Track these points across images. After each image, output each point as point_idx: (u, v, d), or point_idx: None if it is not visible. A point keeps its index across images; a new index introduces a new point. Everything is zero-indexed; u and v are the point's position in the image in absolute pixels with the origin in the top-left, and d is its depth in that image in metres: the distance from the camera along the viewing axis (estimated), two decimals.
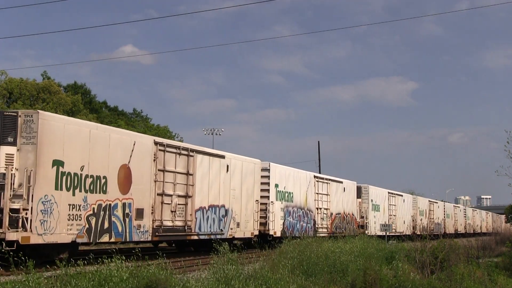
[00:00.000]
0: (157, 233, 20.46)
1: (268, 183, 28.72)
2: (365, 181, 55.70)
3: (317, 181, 34.21)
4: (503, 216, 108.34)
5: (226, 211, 24.81)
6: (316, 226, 33.70)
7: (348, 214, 38.72)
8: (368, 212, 42.19)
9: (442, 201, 78.60)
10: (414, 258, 22.87)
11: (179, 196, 21.78)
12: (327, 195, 35.36)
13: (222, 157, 24.82)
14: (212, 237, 23.76)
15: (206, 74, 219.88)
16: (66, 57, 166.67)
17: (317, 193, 34.10)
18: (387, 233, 37.24)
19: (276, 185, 29.32)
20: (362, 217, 41.79)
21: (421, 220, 56.46)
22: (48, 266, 12.91)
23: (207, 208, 23.39)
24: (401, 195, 50.87)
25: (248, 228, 26.61)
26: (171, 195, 21.31)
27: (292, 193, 30.97)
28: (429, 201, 60.15)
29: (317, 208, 34.02)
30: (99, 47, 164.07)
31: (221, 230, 24.37)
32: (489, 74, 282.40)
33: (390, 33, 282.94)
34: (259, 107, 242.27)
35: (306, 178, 32.85)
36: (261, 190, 28.36)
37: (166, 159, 21.16)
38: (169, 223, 21.22)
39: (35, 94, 49.01)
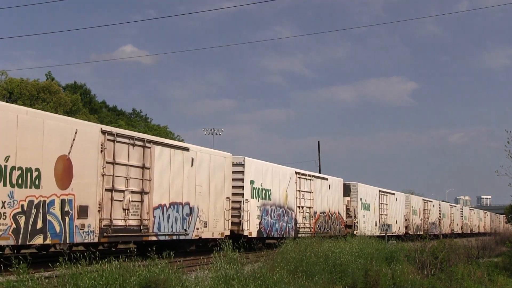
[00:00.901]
0: (105, 234, 18.10)
1: (242, 179, 26.37)
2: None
3: (299, 177, 31.86)
4: (501, 216, 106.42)
5: (191, 209, 22.46)
6: (298, 226, 31.35)
7: (334, 213, 36.37)
8: (357, 211, 39.84)
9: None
10: (414, 258, 22.59)
11: (133, 192, 19.42)
12: (310, 192, 33.00)
13: (186, 149, 22.46)
14: (175, 237, 21.43)
15: (206, 74, 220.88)
16: (66, 57, 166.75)
17: (299, 191, 31.75)
18: (387, 233, 35.64)
19: (252, 182, 26.97)
20: (350, 216, 39.43)
21: (415, 220, 54.12)
22: (47, 266, 12.61)
23: (168, 205, 21.04)
24: (393, 194, 48.52)
25: (217, 228, 24.25)
26: (123, 191, 18.96)
27: (270, 190, 28.61)
28: (423, 200, 57.82)
29: (299, 207, 31.66)
30: (99, 47, 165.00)
31: (185, 230, 22.01)
32: (489, 74, 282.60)
33: (390, 33, 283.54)
34: (259, 107, 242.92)
35: (286, 175, 30.50)
36: (234, 186, 26.03)
37: (117, 150, 18.81)
38: (121, 223, 18.86)
39: (35, 94, 48.66)
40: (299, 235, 31.11)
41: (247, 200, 26.42)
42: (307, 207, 32.57)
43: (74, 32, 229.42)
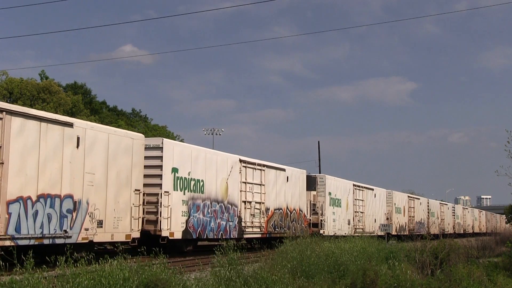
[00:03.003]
0: None
1: (160, 167, 21.19)
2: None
3: (245, 166, 26.64)
4: (498, 215, 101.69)
5: (76, 203, 17.21)
6: (243, 224, 26.12)
7: (294, 209, 31.15)
8: (325, 207, 34.62)
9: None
10: (414, 258, 22.32)
11: None
12: (260, 185, 27.78)
13: (67, 124, 17.22)
14: (47, 242, 16.20)
15: (206, 74, 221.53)
16: (66, 57, 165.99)
17: (245, 183, 26.52)
18: (386, 234, 32.78)
19: (175, 170, 21.77)
20: (315, 213, 34.20)
21: (398, 218, 48.92)
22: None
23: (34, 198, 15.80)
24: (372, 189, 43.29)
25: (120, 229, 19.02)
26: None
27: (202, 181, 23.40)
28: (408, 196, 52.60)
29: (245, 202, 26.44)
30: (98, 47, 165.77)
31: (65, 232, 16.77)
32: (488, 74, 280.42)
33: (389, 33, 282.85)
34: (259, 107, 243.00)
35: (227, 162, 25.28)
36: (148, 175, 20.87)
37: None
38: None
39: (35, 94, 48.34)
40: (245, 236, 25.96)
41: (167, 192, 21.22)
42: (256, 203, 27.34)
43: (73, 32, 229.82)
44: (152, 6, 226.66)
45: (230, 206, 25.25)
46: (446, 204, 67.64)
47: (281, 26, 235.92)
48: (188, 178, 22.52)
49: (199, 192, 23.15)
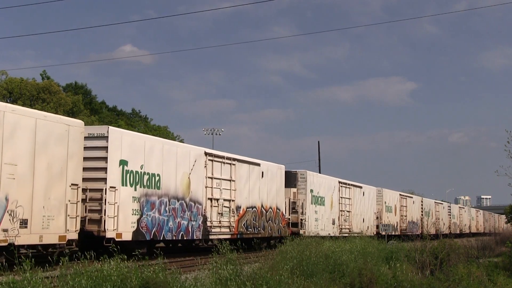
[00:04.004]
0: None
1: (105, 159, 18.59)
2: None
3: (211, 160, 24.06)
4: (497, 215, 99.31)
5: None
6: (209, 224, 23.54)
7: (270, 208, 28.57)
8: (306, 205, 32.03)
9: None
10: (414, 258, 22.27)
11: None
12: (230, 181, 25.20)
13: None
14: None
15: (206, 74, 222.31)
16: (66, 57, 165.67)
17: (211, 178, 23.96)
18: (387, 234, 31.82)
19: (123, 162, 19.19)
20: (295, 212, 31.62)
21: (389, 218, 46.34)
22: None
23: None
24: (360, 187, 40.70)
25: (51, 229, 16.41)
26: None
27: (159, 175, 20.82)
28: (400, 195, 49.99)
29: (211, 199, 23.87)
30: (98, 47, 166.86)
31: None
32: (488, 74, 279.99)
33: (388, 33, 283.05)
34: (259, 107, 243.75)
35: (189, 155, 22.70)
36: (90, 169, 18.33)
37: None
38: None
39: (35, 94, 48.27)
40: (211, 237, 23.39)
41: (113, 188, 18.64)
42: (225, 200, 24.76)
43: (73, 32, 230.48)
44: (152, 6, 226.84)
45: (193, 204, 22.67)
46: (442, 203, 65.07)
47: (280, 26, 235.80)
48: (141, 172, 19.94)
49: (155, 188, 20.57)
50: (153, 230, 20.41)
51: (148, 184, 20.24)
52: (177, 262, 16.11)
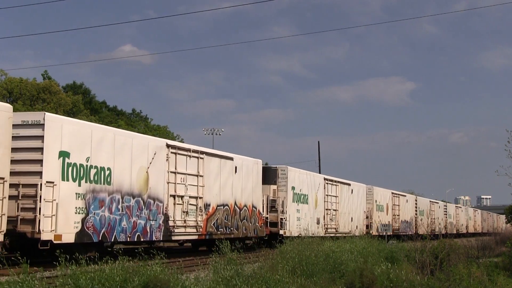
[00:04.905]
0: None
1: (41, 149, 16.31)
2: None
3: (174, 153, 21.75)
4: (495, 215, 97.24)
5: None
6: (171, 224, 21.24)
7: (245, 206, 26.27)
8: (287, 204, 29.74)
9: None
10: (414, 258, 22.18)
11: None
12: (197, 176, 22.91)
13: None
14: None
15: (206, 74, 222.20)
16: (66, 57, 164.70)
17: (174, 173, 21.67)
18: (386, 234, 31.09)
19: (65, 154, 16.90)
20: (275, 210, 29.33)
21: (380, 217, 44.05)
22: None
23: None
24: (348, 184, 38.42)
25: None
26: None
27: (109, 169, 18.52)
28: (392, 193, 47.67)
29: (174, 196, 21.58)
30: (98, 47, 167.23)
31: None
32: (488, 74, 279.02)
33: (388, 33, 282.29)
34: (258, 107, 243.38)
35: (147, 148, 20.40)
36: (25, 161, 16.13)
37: None
38: None
39: (35, 94, 48.07)
40: (174, 238, 21.15)
41: (51, 183, 16.36)
42: (191, 197, 22.48)
43: (73, 32, 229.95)
44: (152, 6, 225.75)
45: (152, 201, 20.38)
46: (437, 202, 62.77)
47: (280, 26, 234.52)
48: (87, 166, 17.64)
49: (104, 184, 18.27)
50: (102, 231, 18.10)
51: (96, 179, 17.94)
52: (177, 262, 15.73)
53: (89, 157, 17.72)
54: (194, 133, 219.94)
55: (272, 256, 17.25)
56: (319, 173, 41.97)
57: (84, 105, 55.45)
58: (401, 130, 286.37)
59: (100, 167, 18.15)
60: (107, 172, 18.40)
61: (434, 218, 58.33)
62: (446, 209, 64.29)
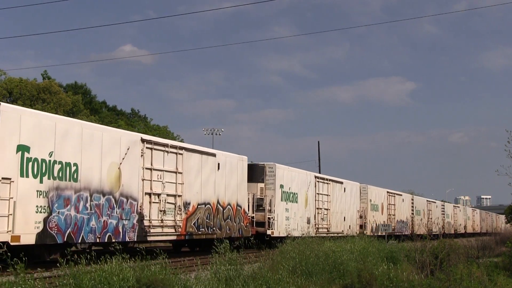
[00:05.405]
0: None
1: None
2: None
3: (149, 148, 20.45)
4: (494, 215, 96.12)
5: None
6: (146, 223, 19.93)
7: (229, 205, 24.97)
8: (275, 203, 28.44)
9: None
10: (414, 258, 22.36)
11: None
12: (175, 173, 21.61)
13: None
14: None
15: (206, 74, 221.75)
16: (66, 57, 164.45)
17: (150, 169, 20.36)
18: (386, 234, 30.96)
19: (24, 148, 15.62)
20: (262, 209, 28.02)
21: (375, 217, 42.76)
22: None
23: None
24: (341, 182, 37.11)
25: None
26: None
27: (76, 165, 17.21)
28: (387, 192, 46.36)
29: (150, 194, 20.27)
30: (98, 47, 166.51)
31: None
32: (488, 74, 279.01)
33: (388, 33, 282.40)
34: (259, 107, 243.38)
35: (120, 142, 19.08)
36: None
37: None
38: None
39: (35, 94, 47.90)
40: (150, 238, 19.83)
41: (7, 179, 15.09)
42: (169, 195, 21.17)
43: (73, 32, 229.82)
44: (152, 6, 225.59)
45: (125, 200, 19.06)
46: (435, 202, 61.47)
47: (281, 26, 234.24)
48: (50, 161, 16.33)
49: (70, 180, 16.96)
50: (68, 231, 16.78)
51: (60, 175, 16.63)
52: (177, 262, 15.94)
53: (52, 152, 16.41)
54: (194, 133, 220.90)
55: (272, 256, 17.42)
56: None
57: (84, 105, 55.38)
58: (401, 130, 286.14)
59: (66, 162, 16.84)
60: (73, 168, 17.08)
61: (431, 218, 57.16)
62: (443, 208, 63.03)
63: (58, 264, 11.58)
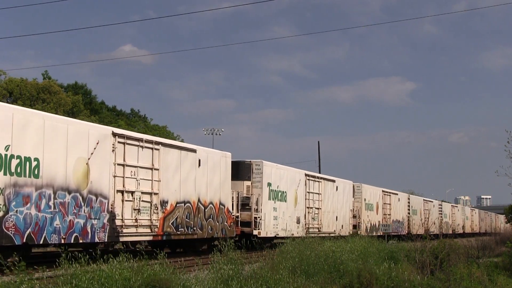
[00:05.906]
0: None
1: None
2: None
3: (122, 142, 19.13)
4: (493, 214, 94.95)
5: None
6: (118, 223, 18.60)
7: (211, 203, 23.66)
8: (262, 201, 27.13)
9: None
10: (414, 258, 22.10)
11: None
12: (151, 169, 20.29)
13: None
14: None
15: (206, 74, 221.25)
16: (66, 57, 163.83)
17: (123, 165, 19.05)
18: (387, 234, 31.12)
19: None
20: (248, 209, 26.71)
21: (369, 216, 41.43)
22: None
23: None
24: (333, 181, 35.80)
25: None
26: None
27: (37, 159, 15.91)
28: (383, 191, 45.04)
29: (123, 192, 18.95)
30: (98, 47, 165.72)
31: None
32: (488, 74, 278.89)
33: (388, 33, 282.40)
34: (259, 107, 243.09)
35: (87, 136, 17.76)
36: None
37: None
38: None
39: (35, 94, 47.79)
40: (122, 239, 18.50)
41: None
42: (144, 193, 19.85)
43: (73, 32, 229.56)
44: (152, 6, 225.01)
45: (94, 198, 17.74)
46: (432, 201, 60.15)
47: (281, 26, 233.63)
48: (6, 155, 15.02)
49: (30, 177, 15.65)
50: (28, 232, 15.46)
51: (18, 171, 15.32)
52: (176, 262, 15.65)
53: (9, 146, 15.10)
54: (194, 133, 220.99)
55: (272, 256, 17.57)
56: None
57: (84, 105, 55.11)
58: (401, 130, 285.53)
59: (25, 157, 15.53)
60: (34, 163, 15.77)
61: (427, 218, 55.80)
62: (441, 208, 61.72)
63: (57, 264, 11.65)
